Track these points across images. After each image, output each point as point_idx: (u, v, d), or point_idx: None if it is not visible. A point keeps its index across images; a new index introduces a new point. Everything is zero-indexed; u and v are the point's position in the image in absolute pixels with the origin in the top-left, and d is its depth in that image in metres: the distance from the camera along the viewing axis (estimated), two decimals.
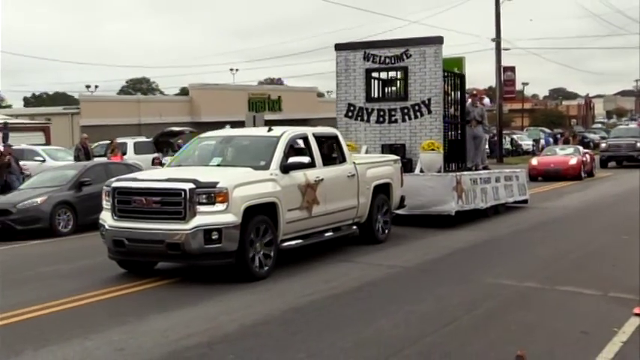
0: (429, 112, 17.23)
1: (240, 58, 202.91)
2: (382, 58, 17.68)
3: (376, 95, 18.11)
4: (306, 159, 12.02)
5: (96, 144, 31.60)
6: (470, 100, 20.30)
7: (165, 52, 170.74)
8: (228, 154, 12.54)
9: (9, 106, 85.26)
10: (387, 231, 14.44)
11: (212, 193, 10.33)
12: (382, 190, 14.39)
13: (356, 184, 13.44)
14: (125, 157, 28.02)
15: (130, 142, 31.77)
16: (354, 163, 13.65)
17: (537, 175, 31.11)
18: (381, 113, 17.69)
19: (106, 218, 10.98)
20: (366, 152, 17.09)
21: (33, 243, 16.36)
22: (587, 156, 33.13)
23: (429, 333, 7.96)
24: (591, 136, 63.25)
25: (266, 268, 10.91)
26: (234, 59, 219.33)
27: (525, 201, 20.70)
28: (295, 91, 65.56)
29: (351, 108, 17.95)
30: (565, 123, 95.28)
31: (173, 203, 10.43)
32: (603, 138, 53.73)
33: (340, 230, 13.21)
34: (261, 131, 13.17)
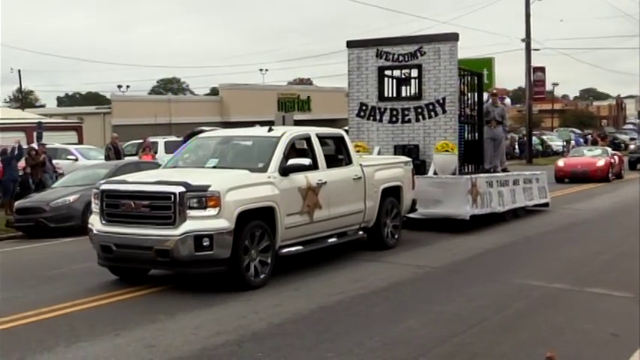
0: (444, 111, 16.51)
1: (270, 58, 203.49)
2: (395, 56, 17.02)
3: (389, 94, 17.40)
4: (306, 161, 11.34)
5: (127, 143, 31.86)
6: (490, 100, 19.66)
7: (196, 53, 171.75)
8: (226, 156, 11.93)
9: (43, 106, 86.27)
10: (396, 236, 13.76)
11: (203, 197, 9.77)
12: (392, 194, 13.69)
13: (362, 187, 12.77)
14: (157, 156, 28.21)
15: (161, 141, 32.02)
16: (360, 165, 12.97)
17: (564, 177, 30.28)
18: (394, 113, 17.00)
19: (95, 222, 10.48)
20: (379, 153, 16.56)
21: (65, 240, 16.52)
22: (616, 157, 32.34)
23: (457, 333, 7.92)
24: (622, 137, 62.65)
25: (262, 276, 10.31)
26: (264, 59, 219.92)
27: (546, 204, 20.02)
28: (324, 92, 65.50)
29: (363, 107, 17.30)
30: (596, 124, 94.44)
31: (162, 207, 9.87)
32: (633, 139, 53.19)
33: (346, 235, 12.59)
34: (261, 131, 12.40)
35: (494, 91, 20.77)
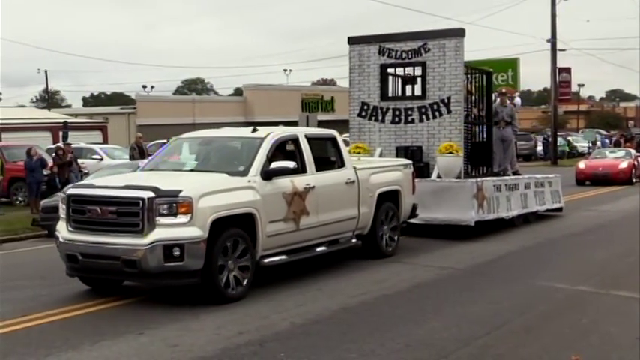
0: (449, 111, 15.67)
1: (294, 58, 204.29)
2: (398, 53, 16.17)
3: (392, 93, 16.59)
4: (290, 164, 10.42)
5: (151, 143, 32.03)
6: (498, 100, 18.69)
7: (220, 53, 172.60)
8: (206, 158, 11.26)
9: (69, 106, 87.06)
10: (394, 243, 12.90)
11: (174, 204, 8.99)
12: (389, 198, 12.81)
13: (356, 192, 11.91)
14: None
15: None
16: (354, 168, 12.10)
17: (585, 180, 29.52)
18: (397, 113, 16.16)
19: (61, 229, 9.77)
20: (381, 155, 15.85)
21: None
22: (639, 159, 31.51)
23: (480, 335, 7.88)
24: None
25: (240, 288, 9.57)
26: (288, 60, 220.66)
27: (560, 209, 19.04)
28: (348, 92, 65.48)
29: (365, 107, 16.47)
30: (622, 125, 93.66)
31: (130, 214, 9.12)
32: None
33: (338, 243, 11.82)
34: (245, 132, 11.50)
35: (504, 90, 19.94)
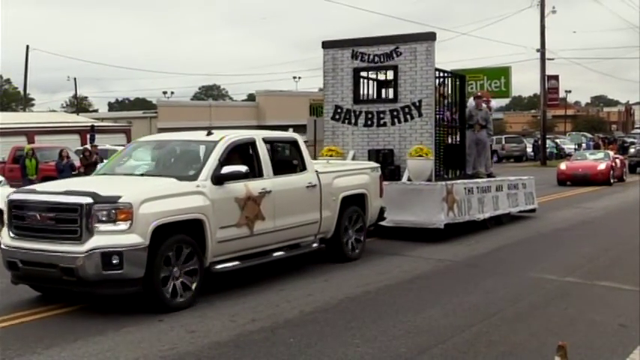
0: (420, 114, 14.73)
1: (303, 67, 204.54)
2: (371, 57, 15.26)
3: (365, 96, 15.74)
4: (243, 168, 9.46)
5: None
6: (473, 103, 17.52)
7: (235, 62, 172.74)
8: (159, 162, 10.47)
9: (96, 111, 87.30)
10: (360, 247, 11.95)
11: (113, 210, 8.14)
12: (355, 202, 11.84)
13: (318, 196, 10.95)
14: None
15: None
16: (316, 171, 11.13)
17: (566, 180, 29.09)
18: (369, 116, 15.27)
19: (4, 236, 8.90)
20: (353, 158, 15.00)
21: None
22: (617, 161, 31.00)
23: (475, 323, 7.87)
24: (631, 140, 61.95)
25: (187, 296, 8.65)
26: (298, 68, 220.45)
27: (533, 210, 18.13)
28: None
29: (338, 110, 15.57)
30: (606, 128, 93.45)
31: (68, 220, 8.26)
32: (632, 143, 52.38)
33: (298, 248, 10.89)
34: (199, 136, 10.45)
35: (479, 94, 18.82)
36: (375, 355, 6.78)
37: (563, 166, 30.57)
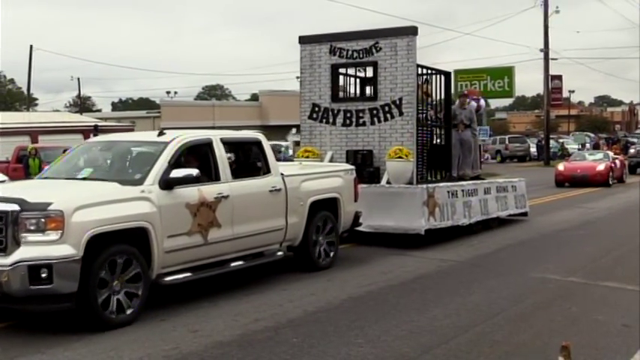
0: (400, 113, 13.75)
1: None
2: (350, 52, 14.30)
3: (343, 94, 14.84)
4: (194, 171, 8.63)
5: None
6: (457, 102, 16.63)
7: (238, 62, 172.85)
8: (104, 165, 9.64)
9: (99, 110, 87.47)
10: (331, 254, 11.15)
11: (42, 218, 7.30)
12: (326, 207, 11.08)
13: (283, 201, 10.17)
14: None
15: None
16: (282, 174, 10.34)
17: (564, 181, 28.38)
18: (348, 115, 14.30)
19: None
20: (331, 160, 14.14)
21: None
22: (617, 162, 30.28)
23: (478, 323, 7.86)
24: (634, 140, 61.93)
25: (130, 311, 7.87)
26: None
27: (525, 214, 17.28)
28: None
29: (316, 109, 14.59)
30: (609, 128, 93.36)
31: None
32: (632, 143, 52.27)
33: (262, 257, 10.10)
34: (150, 136, 9.68)
35: (465, 92, 17.34)
36: (378, 355, 6.78)
37: (561, 166, 29.82)
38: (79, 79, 72.06)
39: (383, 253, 12.23)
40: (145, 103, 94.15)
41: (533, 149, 55.64)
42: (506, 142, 56.83)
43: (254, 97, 73.72)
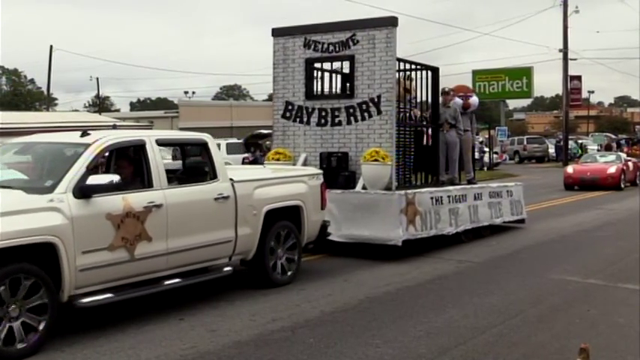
0: (379, 112, 12.57)
1: None
2: (325, 46, 13.14)
3: (318, 91, 13.58)
4: (115, 177, 7.59)
5: None
6: (441, 100, 14.72)
7: (256, 62, 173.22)
8: (17, 169, 8.20)
9: (118, 110, 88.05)
10: (293, 269, 10.02)
11: None
12: (285, 216, 9.90)
13: (232, 210, 8.97)
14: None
15: (222, 142, 32.48)
16: (231, 180, 9.09)
17: (573, 184, 26.82)
18: (323, 114, 13.13)
19: None
20: (305, 162, 13.05)
21: None
22: (630, 164, 28.78)
23: (496, 324, 7.83)
24: None
25: (32, 340, 6.71)
26: None
27: (522, 221, 16.10)
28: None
29: (289, 107, 13.46)
30: (629, 129, 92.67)
31: None
32: None
33: (206, 273, 8.90)
34: (72, 137, 8.31)
35: (447, 90, 14.97)
36: (395, 356, 6.77)
37: (570, 169, 28.30)
38: (97, 79, 72.53)
39: (400, 255, 12.19)
40: (163, 103, 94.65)
41: (551, 150, 55.38)
42: (525, 142, 56.61)
43: (271, 98, 73.97)
